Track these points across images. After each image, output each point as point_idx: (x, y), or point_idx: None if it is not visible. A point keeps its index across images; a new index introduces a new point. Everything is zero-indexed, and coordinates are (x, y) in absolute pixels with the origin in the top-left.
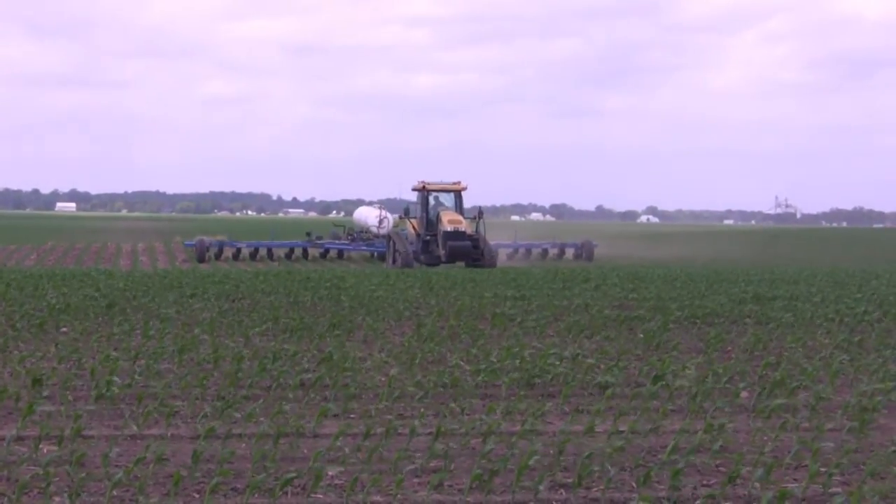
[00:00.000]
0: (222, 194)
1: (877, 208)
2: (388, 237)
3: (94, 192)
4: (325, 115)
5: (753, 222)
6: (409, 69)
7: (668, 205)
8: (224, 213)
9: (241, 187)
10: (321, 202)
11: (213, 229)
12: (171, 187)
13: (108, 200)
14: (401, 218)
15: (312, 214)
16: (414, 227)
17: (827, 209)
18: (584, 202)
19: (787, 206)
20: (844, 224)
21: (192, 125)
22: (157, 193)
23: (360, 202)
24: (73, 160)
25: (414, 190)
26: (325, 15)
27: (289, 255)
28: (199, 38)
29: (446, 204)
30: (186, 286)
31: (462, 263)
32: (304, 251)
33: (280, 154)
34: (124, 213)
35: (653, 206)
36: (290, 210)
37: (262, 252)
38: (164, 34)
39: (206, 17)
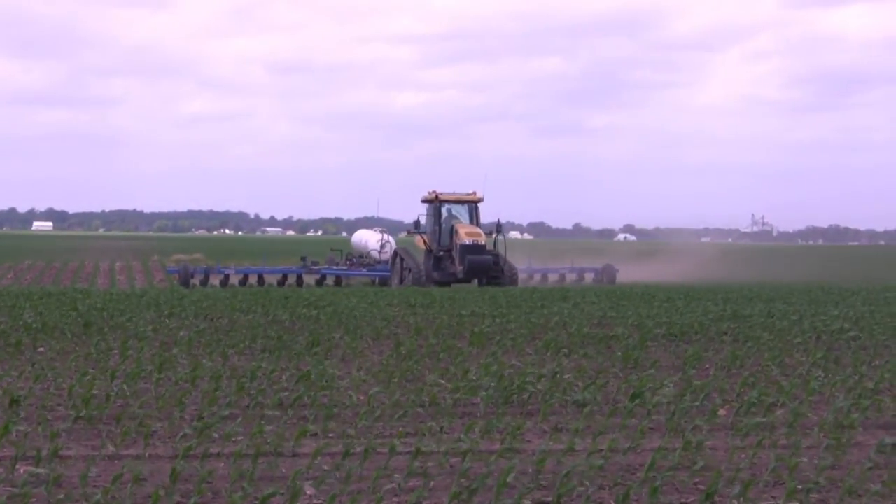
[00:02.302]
0: (200, 213)
1: (852, 226)
2: (394, 254)
3: (71, 210)
4: (308, 134)
5: (730, 240)
6: (392, 87)
7: (645, 222)
8: (201, 232)
9: (219, 206)
10: (299, 221)
11: (190, 248)
12: (149, 206)
13: (85, 219)
14: (409, 233)
15: (291, 233)
16: (425, 242)
17: (803, 227)
18: (561, 220)
19: (763, 223)
20: (821, 242)
21: (172, 143)
22: (135, 212)
23: (339, 220)
24: (50, 178)
25: (424, 201)
26: (310, 33)
27: (282, 282)
28: (183, 57)
29: (460, 217)
30: (164, 305)
31: (477, 282)
32: (299, 278)
33: (260, 172)
34: (101, 231)
35: (630, 224)
36: (268, 229)
37: (252, 279)
38: (148, 53)
39: (190, 36)
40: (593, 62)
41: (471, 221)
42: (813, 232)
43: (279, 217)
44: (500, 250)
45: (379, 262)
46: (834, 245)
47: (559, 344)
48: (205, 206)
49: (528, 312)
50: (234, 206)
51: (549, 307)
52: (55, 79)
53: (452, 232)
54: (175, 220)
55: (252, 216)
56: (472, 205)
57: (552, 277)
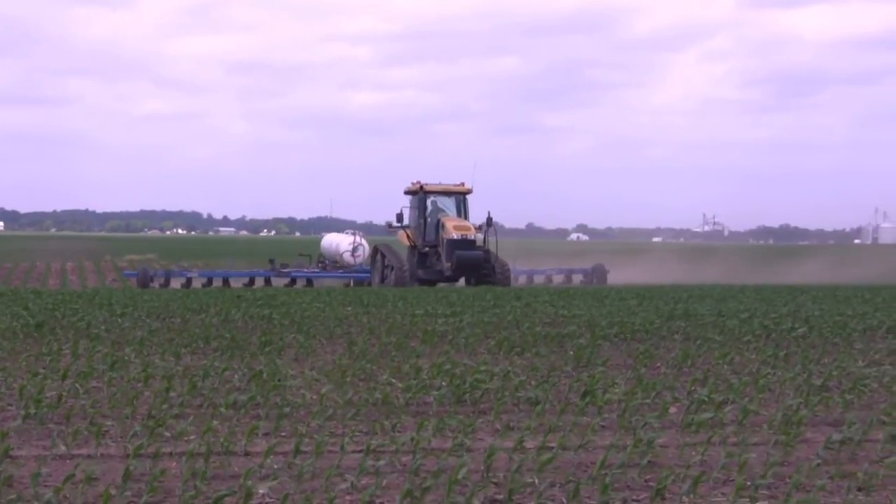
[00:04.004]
0: (153, 213)
1: (802, 225)
2: (374, 250)
3: (23, 210)
4: (265, 133)
5: (682, 240)
6: (350, 86)
7: (598, 222)
8: (154, 232)
9: (172, 205)
10: (252, 221)
11: (143, 249)
12: (101, 206)
13: (37, 219)
14: (391, 226)
15: (244, 233)
16: (408, 237)
17: (754, 226)
18: (514, 220)
19: (714, 223)
20: (771, 241)
21: (127, 143)
22: (87, 212)
23: (292, 221)
24: (1, 179)
25: (407, 193)
26: (269, 32)
27: (249, 286)
28: (140, 57)
29: (446, 210)
30: (116, 305)
31: (465, 281)
32: (267, 280)
33: (214, 172)
34: (53, 231)
35: (583, 223)
36: (221, 229)
37: (217, 282)
38: (105, 52)
39: (148, 35)
40: (552, 62)
41: (458, 215)
42: (764, 231)
43: (232, 217)
44: (492, 246)
45: (352, 265)
46: (784, 245)
47: (512, 343)
48: (158, 206)
49: (481, 312)
50: (187, 206)
51: (502, 307)
52: (9, 78)
53: (439, 226)
54: (128, 220)
55: (205, 216)
56: (460, 196)
57: (538, 279)
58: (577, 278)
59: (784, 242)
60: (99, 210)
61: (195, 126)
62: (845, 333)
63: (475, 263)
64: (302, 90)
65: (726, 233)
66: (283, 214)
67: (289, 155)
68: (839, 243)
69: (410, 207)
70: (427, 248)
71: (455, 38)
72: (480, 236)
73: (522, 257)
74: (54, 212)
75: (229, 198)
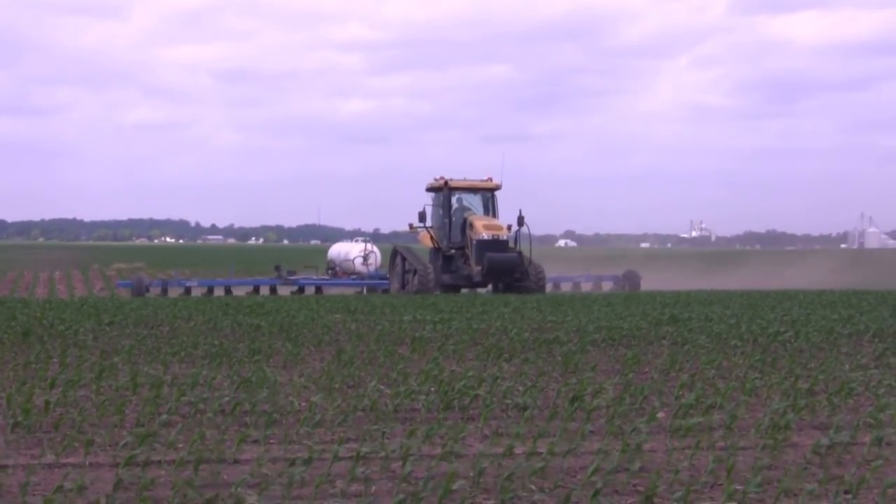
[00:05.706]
0: (140, 221)
1: (789, 231)
2: (394, 253)
3: (10, 220)
4: (253, 141)
5: (669, 245)
6: (340, 94)
7: (586, 229)
8: (142, 241)
9: (160, 214)
10: (240, 229)
11: (131, 257)
12: (89, 214)
13: (24, 228)
14: (412, 227)
15: (232, 241)
16: (431, 239)
17: (741, 232)
18: None
19: (702, 229)
20: (758, 247)
21: (115, 152)
22: (75, 221)
23: (280, 228)
24: None
25: (430, 190)
26: (258, 40)
27: (254, 294)
28: (129, 65)
29: (472, 208)
30: (104, 313)
31: (493, 287)
32: (273, 289)
33: (202, 180)
34: (40, 241)
35: (570, 230)
36: (209, 237)
37: (219, 291)
38: (94, 61)
39: (138, 44)
40: (542, 69)
41: (486, 213)
42: (750, 237)
43: (220, 225)
44: (524, 249)
45: (364, 273)
46: (771, 249)
47: (500, 349)
48: (145, 214)
49: (469, 318)
50: (175, 215)
51: (490, 313)
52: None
53: (466, 225)
54: (115, 229)
55: (193, 224)
56: (488, 193)
57: (565, 286)
58: (608, 285)
59: (770, 247)
60: (86, 219)
61: (183, 134)
62: (832, 338)
63: (508, 267)
64: (291, 98)
65: (713, 238)
66: (272, 222)
67: (277, 163)
68: (824, 248)
69: (433, 206)
70: (452, 251)
71: (445, 46)
72: (519, 233)
73: (554, 263)
74: (41, 221)
75: (217, 206)
